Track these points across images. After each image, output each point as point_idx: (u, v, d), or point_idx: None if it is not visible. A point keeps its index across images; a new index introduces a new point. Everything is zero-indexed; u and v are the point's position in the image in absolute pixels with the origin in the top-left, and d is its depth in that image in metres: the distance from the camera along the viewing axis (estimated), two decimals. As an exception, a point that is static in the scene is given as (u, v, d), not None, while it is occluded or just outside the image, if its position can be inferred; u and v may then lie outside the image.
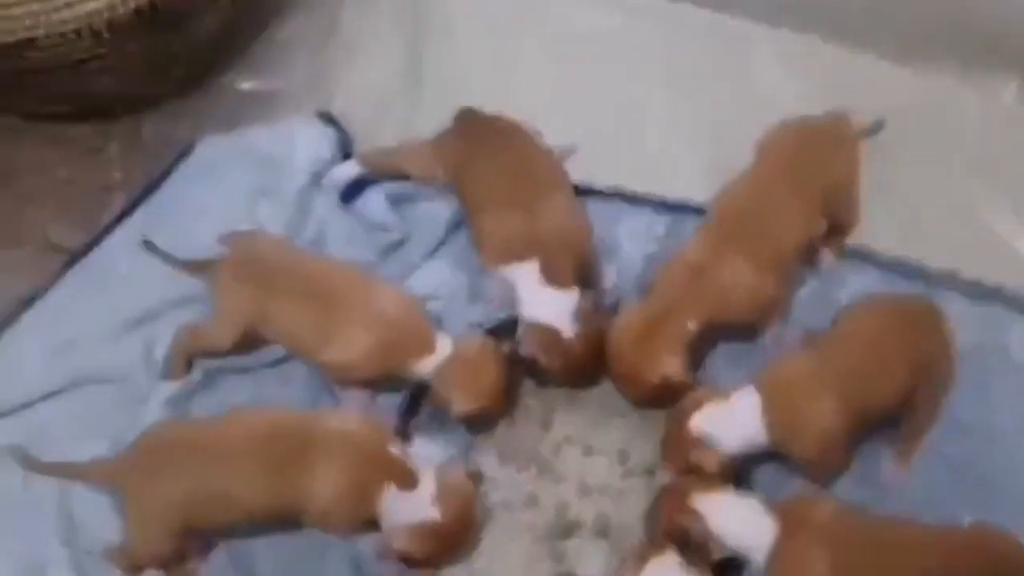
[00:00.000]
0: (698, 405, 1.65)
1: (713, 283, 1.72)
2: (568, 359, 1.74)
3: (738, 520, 1.56)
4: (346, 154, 2.06)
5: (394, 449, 1.64)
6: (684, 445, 1.64)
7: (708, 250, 1.75)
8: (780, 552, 1.52)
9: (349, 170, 2.01)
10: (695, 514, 1.56)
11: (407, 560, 1.63)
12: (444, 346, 1.73)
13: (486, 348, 1.75)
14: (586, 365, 1.77)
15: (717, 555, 1.56)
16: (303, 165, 2.02)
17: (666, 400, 1.73)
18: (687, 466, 1.64)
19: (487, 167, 1.87)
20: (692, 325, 1.71)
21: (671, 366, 1.70)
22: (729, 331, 1.79)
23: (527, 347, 1.75)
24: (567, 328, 1.73)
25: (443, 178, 1.94)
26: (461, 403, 1.70)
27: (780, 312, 1.82)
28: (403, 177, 1.99)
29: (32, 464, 1.68)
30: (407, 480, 1.60)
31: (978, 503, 1.65)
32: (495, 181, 1.84)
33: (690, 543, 1.55)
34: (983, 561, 1.48)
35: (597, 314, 1.77)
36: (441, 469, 1.65)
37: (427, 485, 1.61)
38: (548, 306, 1.75)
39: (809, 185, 1.80)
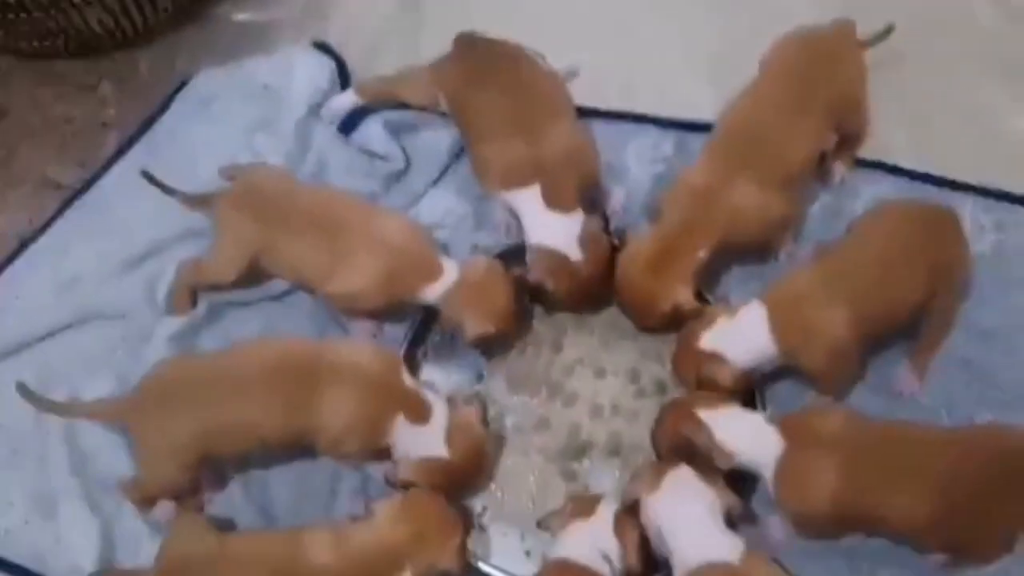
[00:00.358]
0: (707, 323, 1.63)
1: (722, 207, 1.68)
2: (575, 283, 1.72)
3: (743, 433, 1.54)
4: (344, 84, 2.03)
5: (407, 380, 1.62)
6: (695, 363, 1.62)
7: (715, 172, 1.70)
8: (786, 464, 1.50)
9: (347, 100, 1.98)
10: (700, 425, 1.54)
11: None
12: (451, 271, 1.71)
13: (493, 269, 1.72)
14: (593, 289, 1.74)
15: (723, 466, 1.54)
16: (301, 96, 1.99)
17: (675, 326, 1.71)
18: (698, 384, 1.63)
19: (487, 92, 1.82)
20: (703, 252, 1.68)
21: (682, 295, 1.67)
22: (741, 252, 1.77)
23: (534, 272, 1.72)
24: (573, 252, 1.71)
25: (443, 105, 1.90)
26: (474, 326, 1.68)
27: (792, 229, 1.79)
28: (402, 105, 1.96)
29: (39, 402, 1.67)
30: (419, 412, 1.59)
31: (996, 409, 1.64)
32: (496, 106, 1.80)
33: (695, 456, 1.54)
34: (995, 458, 1.46)
35: (604, 237, 1.74)
36: (454, 407, 1.63)
37: (439, 421, 1.59)
38: (553, 230, 1.72)
39: (815, 97, 1.75)
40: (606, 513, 1.52)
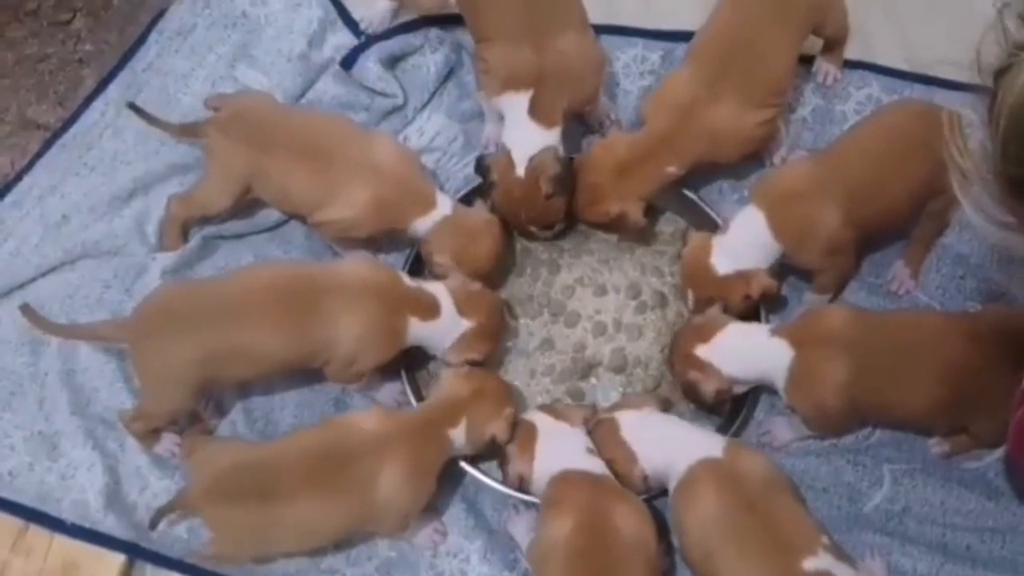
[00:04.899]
0: (704, 250, 1.62)
1: (702, 126, 1.67)
2: (510, 194, 1.70)
3: (750, 354, 1.56)
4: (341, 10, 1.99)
5: (407, 282, 1.62)
6: (720, 290, 1.61)
7: (697, 88, 1.68)
8: (796, 369, 1.52)
9: (383, 6, 1.95)
10: (707, 370, 1.55)
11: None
12: (443, 206, 1.69)
13: (488, 220, 1.71)
14: (522, 209, 1.71)
15: (740, 391, 1.58)
16: (285, 23, 1.95)
17: (611, 229, 1.74)
18: (737, 304, 1.62)
19: None
20: (674, 167, 1.68)
21: (633, 208, 1.68)
22: (727, 164, 1.77)
23: (488, 159, 1.72)
24: (521, 164, 1.69)
25: (454, 4, 1.85)
26: (454, 275, 1.66)
27: (777, 139, 1.79)
28: (396, 31, 1.95)
29: (43, 324, 1.65)
30: (429, 310, 1.59)
31: (989, 302, 1.66)
32: (508, 9, 1.74)
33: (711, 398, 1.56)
34: (1003, 337, 1.48)
35: (551, 172, 1.68)
36: (450, 284, 1.64)
37: (447, 305, 1.61)
38: (522, 139, 1.70)
39: (791, 5, 1.72)
40: (548, 420, 1.55)
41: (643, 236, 1.79)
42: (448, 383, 1.57)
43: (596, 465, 1.50)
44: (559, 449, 1.52)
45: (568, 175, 1.70)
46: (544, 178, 1.68)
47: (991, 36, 0.96)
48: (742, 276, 1.60)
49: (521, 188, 1.69)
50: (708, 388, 1.56)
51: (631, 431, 1.52)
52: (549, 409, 1.59)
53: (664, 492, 1.52)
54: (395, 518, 1.52)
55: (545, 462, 1.51)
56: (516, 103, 1.72)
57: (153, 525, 1.53)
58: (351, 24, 1.99)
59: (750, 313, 1.64)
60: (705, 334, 1.57)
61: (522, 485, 1.54)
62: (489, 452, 1.58)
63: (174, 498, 1.54)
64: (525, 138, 1.70)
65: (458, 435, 1.53)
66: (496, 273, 1.75)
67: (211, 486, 1.49)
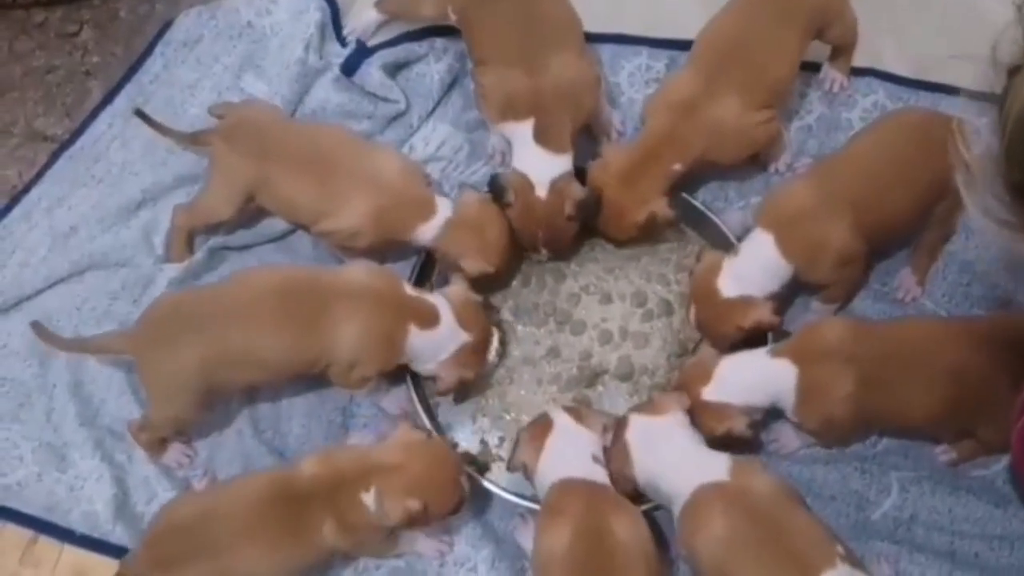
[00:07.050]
0: (715, 271, 1.61)
1: (702, 123, 1.68)
2: (529, 213, 1.70)
3: (755, 382, 1.54)
4: (334, 17, 2.00)
5: (408, 290, 1.62)
6: (728, 315, 1.60)
7: (697, 87, 1.69)
8: (803, 386, 1.51)
9: (371, 17, 1.96)
10: (730, 415, 1.53)
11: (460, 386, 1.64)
12: (444, 209, 1.69)
13: (486, 206, 1.70)
14: (537, 229, 1.71)
15: (758, 416, 1.57)
16: (291, 33, 1.96)
17: (646, 236, 1.74)
18: (729, 336, 1.62)
19: (495, 12, 1.77)
20: (679, 165, 1.69)
21: (657, 204, 1.68)
22: (728, 165, 1.77)
23: (502, 178, 1.71)
24: (542, 189, 1.69)
25: (452, 18, 1.85)
26: (472, 265, 1.67)
27: (780, 143, 1.79)
28: (399, 40, 1.95)
29: (49, 337, 1.65)
30: (429, 318, 1.59)
31: (996, 309, 1.66)
32: (501, 29, 1.75)
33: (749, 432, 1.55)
34: (1007, 342, 1.47)
35: (573, 198, 1.68)
36: (444, 293, 1.64)
37: (446, 315, 1.60)
38: (535, 165, 1.70)
39: (794, 9, 1.73)
40: (567, 420, 1.53)
41: (672, 232, 1.79)
42: (388, 442, 1.51)
43: (598, 474, 1.48)
44: (567, 450, 1.50)
45: (592, 203, 1.70)
46: (570, 201, 1.68)
47: (1008, 34, 0.96)
48: (743, 302, 1.59)
49: (543, 208, 1.69)
50: (740, 426, 1.54)
51: (635, 434, 1.50)
52: (574, 411, 1.55)
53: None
54: (360, 552, 1.53)
55: (550, 460, 1.49)
56: (519, 131, 1.72)
57: None
58: (338, 31, 1.99)
59: (757, 337, 1.62)
60: (702, 375, 1.55)
61: (524, 473, 1.52)
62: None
63: (119, 569, 1.50)
64: (538, 165, 1.70)
65: (370, 501, 1.46)
66: (514, 252, 1.73)
67: (148, 552, 1.47)
